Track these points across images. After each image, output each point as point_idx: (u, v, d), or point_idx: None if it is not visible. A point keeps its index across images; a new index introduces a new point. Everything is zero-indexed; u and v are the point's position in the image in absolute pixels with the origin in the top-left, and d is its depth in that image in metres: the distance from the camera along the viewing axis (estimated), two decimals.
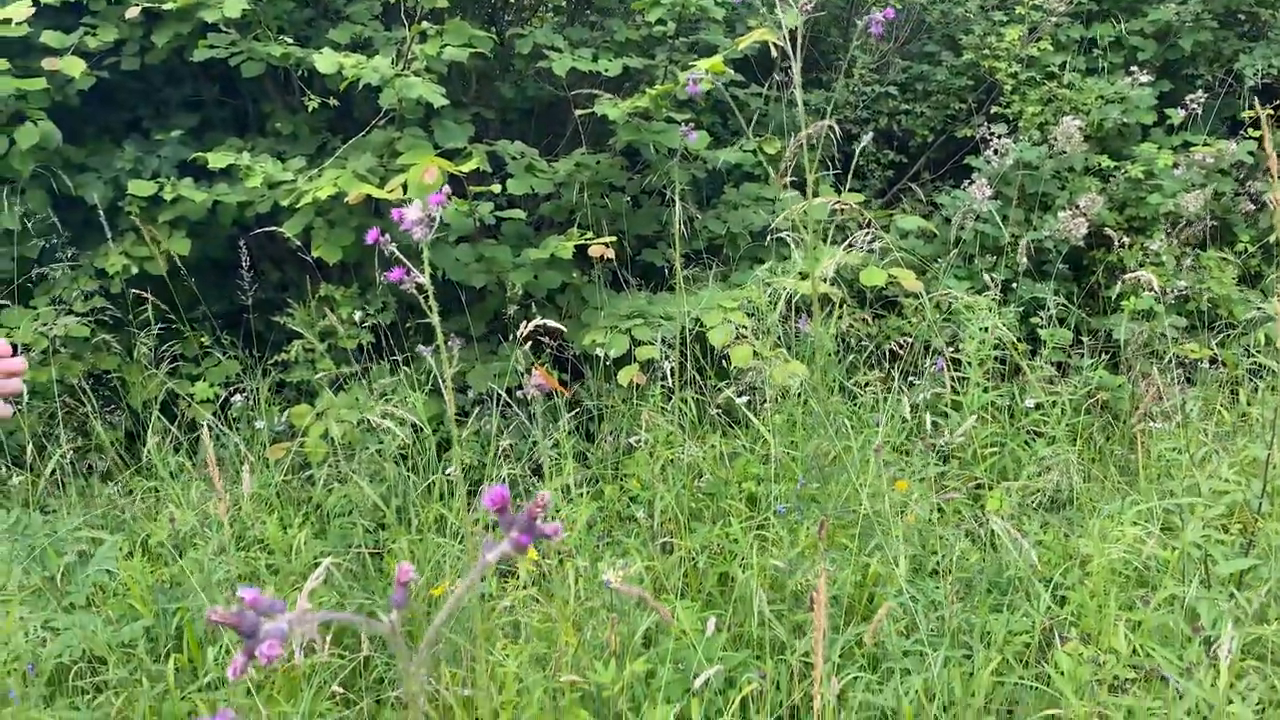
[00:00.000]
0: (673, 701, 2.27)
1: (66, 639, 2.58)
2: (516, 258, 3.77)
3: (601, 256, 3.48)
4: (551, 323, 2.37)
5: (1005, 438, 3.65)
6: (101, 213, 3.66)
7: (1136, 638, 2.19)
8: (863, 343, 3.67)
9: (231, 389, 4.04)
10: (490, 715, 2.00)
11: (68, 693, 2.51)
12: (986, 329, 3.60)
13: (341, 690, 2.31)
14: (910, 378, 3.20)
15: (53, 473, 3.33)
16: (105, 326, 3.94)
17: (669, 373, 3.06)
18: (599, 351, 3.58)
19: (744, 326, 3.60)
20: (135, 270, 3.92)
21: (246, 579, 2.86)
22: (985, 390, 3.62)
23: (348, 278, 3.96)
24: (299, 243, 3.74)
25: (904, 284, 3.82)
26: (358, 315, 3.70)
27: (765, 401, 3.08)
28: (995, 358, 3.68)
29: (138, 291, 3.87)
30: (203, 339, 4.09)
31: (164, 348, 4.08)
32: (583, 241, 3.64)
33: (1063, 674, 2.21)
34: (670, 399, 3.20)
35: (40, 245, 3.95)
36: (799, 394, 2.83)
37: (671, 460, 2.98)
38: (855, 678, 2.09)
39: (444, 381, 1.72)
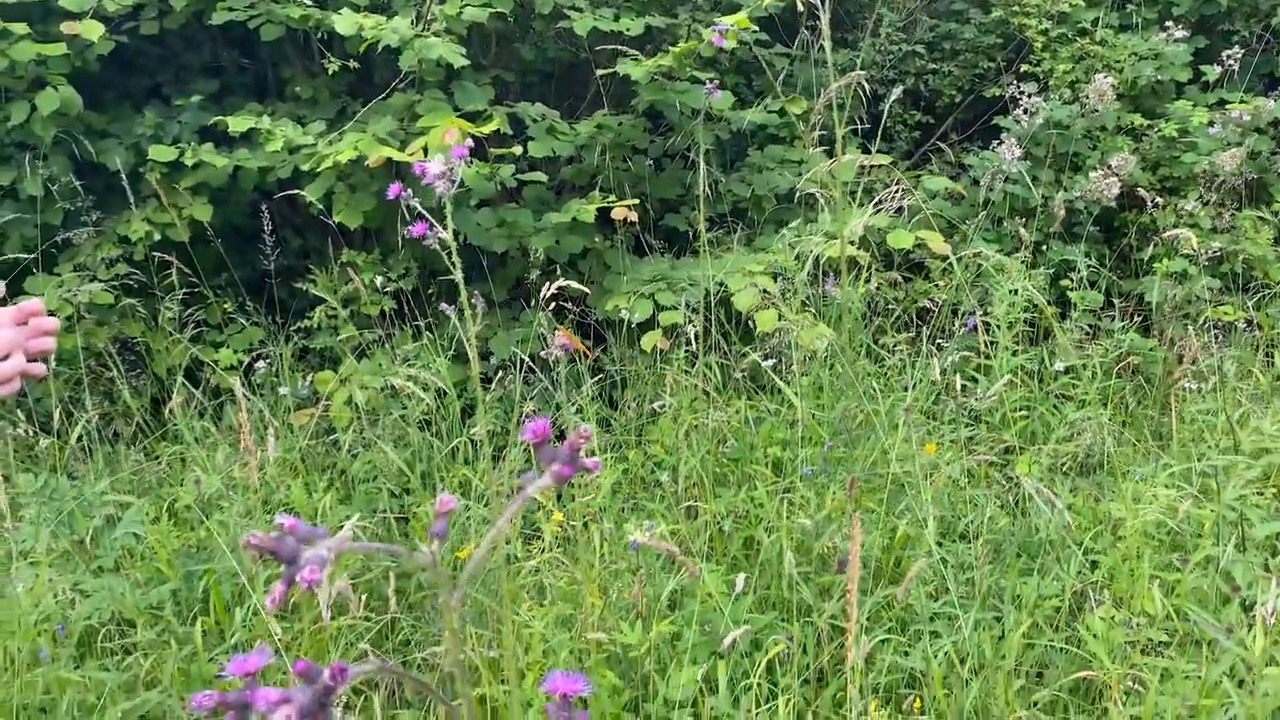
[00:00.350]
0: (699, 663, 2.26)
1: (95, 601, 2.59)
2: (538, 222, 3.74)
3: (624, 219, 3.44)
4: (574, 284, 2.34)
5: (1035, 402, 3.60)
6: (124, 179, 3.65)
7: (1171, 601, 2.16)
8: (890, 306, 3.62)
9: (255, 355, 4.05)
10: (516, 676, 2.00)
11: (97, 654, 2.52)
12: (1016, 291, 3.54)
13: (369, 649, 2.31)
14: (938, 341, 3.15)
15: (79, 438, 3.35)
16: (129, 293, 3.94)
17: (693, 338, 3.03)
18: (622, 316, 3.54)
19: (769, 290, 3.56)
20: (158, 236, 3.92)
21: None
22: (1014, 354, 3.57)
23: (369, 243, 3.94)
24: (320, 208, 3.72)
25: (932, 246, 3.76)
26: (379, 280, 3.68)
27: (791, 365, 3.04)
28: (1025, 321, 3.62)
29: (162, 256, 3.86)
30: (225, 305, 4.09)
31: (187, 314, 4.08)
32: (604, 205, 3.60)
33: (1095, 636, 2.18)
34: (694, 364, 3.17)
35: (64, 212, 3.95)
36: (826, 357, 2.80)
37: (695, 426, 2.96)
38: (883, 640, 2.07)
39: (468, 340, 1.70)
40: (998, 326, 3.53)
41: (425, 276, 4.35)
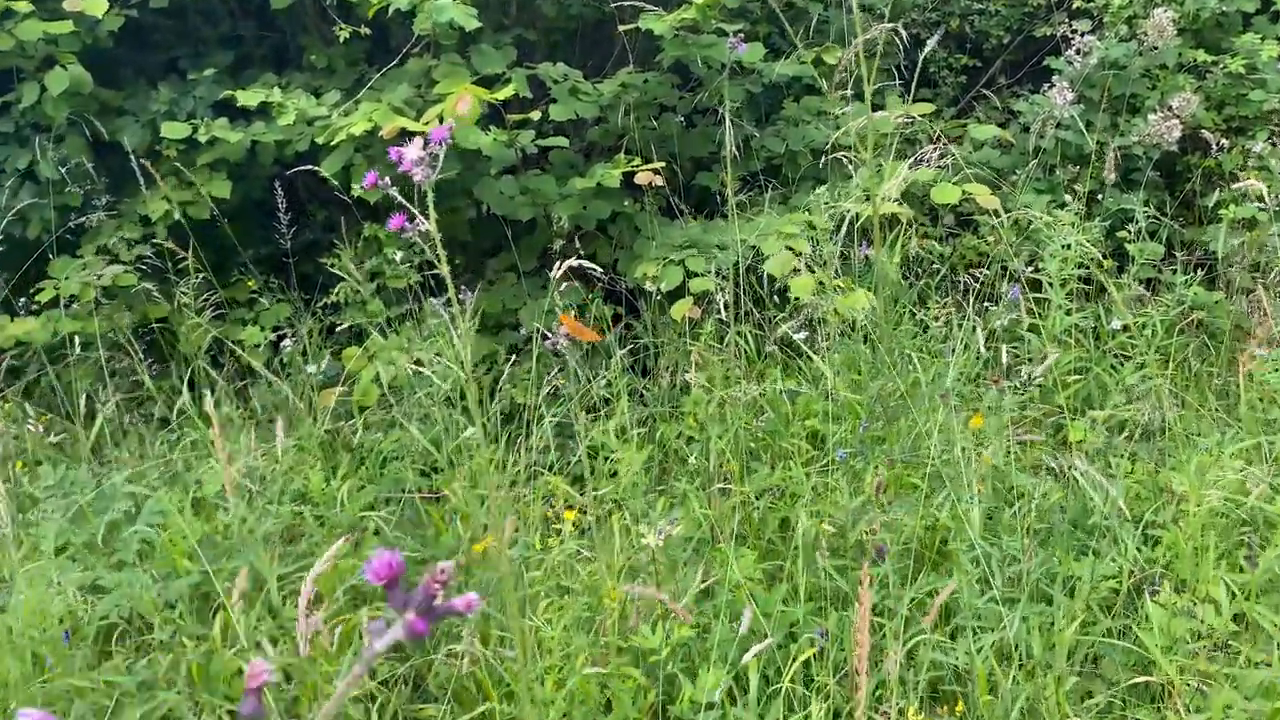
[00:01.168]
0: (728, 661, 2.14)
1: (113, 599, 2.54)
2: (562, 188, 3.59)
3: (650, 184, 3.28)
4: (586, 264, 2.20)
5: (1089, 363, 3.40)
6: (133, 158, 3.56)
7: (1239, 588, 1.99)
8: (934, 266, 3.42)
9: (280, 334, 3.97)
10: (526, 688, 1.89)
11: (117, 653, 2.47)
12: (1069, 246, 3.33)
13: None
14: (986, 303, 2.97)
15: (102, 427, 3.30)
16: (152, 275, 3.88)
17: (723, 306, 2.87)
18: (651, 285, 3.40)
19: (805, 254, 3.39)
20: (178, 215, 3.84)
21: (292, 533, 2.80)
22: (1068, 313, 3.37)
23: (379, 214, 3.81)
24: (336, 183, 3.61)
25: (979, 200, 3.55)
26: (399, 255, 3.57)
27: (828, 335, 2.88)
28: (1079, 277, 3.41)
29: (188, 232, 3.78)
30: (250, 284, 4.01)
31: (212, 295, 4.02)
32: (630, 168, 3.44)
33: (1153, 630, 2.02)
34: (725, 336, 3.02)
35: (81, 194, 3.88)
36: (863, 329, 2.63)
37: (726, 400, 2.82)
38: (924, 639, 1.93)
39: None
40: (1050, 284, 3.33)
41: (452, 248, 4.24)
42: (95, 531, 2.67)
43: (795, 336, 2.58)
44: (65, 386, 3.55)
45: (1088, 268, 3.60)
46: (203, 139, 3.51)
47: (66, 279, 3.70)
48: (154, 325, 3.81)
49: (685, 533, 2.67)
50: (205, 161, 3.76)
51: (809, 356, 2.63)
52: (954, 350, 2.50)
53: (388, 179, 1.54)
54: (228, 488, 2.11)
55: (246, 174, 3.92)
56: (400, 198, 1.55)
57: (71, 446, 3.33)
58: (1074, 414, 3.29)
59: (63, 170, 3.67)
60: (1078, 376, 3.28)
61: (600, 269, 4.08)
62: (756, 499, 2.66)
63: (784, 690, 1.88)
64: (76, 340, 3.59)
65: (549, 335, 1.81)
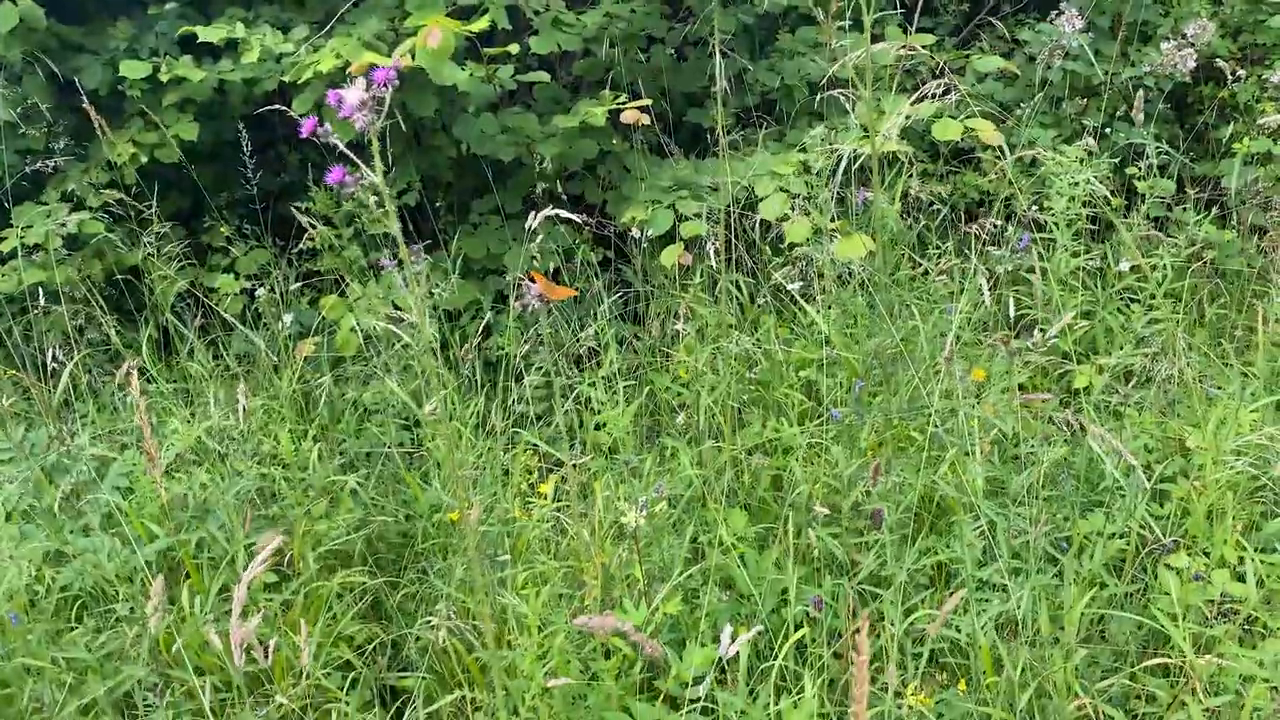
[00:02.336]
0: (717, 632, 2.04)
1: (76, 567, 2.44)
2: (546, 126, 3.42)
3: (637, 122, 3.11)
4: (563, 212, 2.05)
5: (1096, 305, 3.27)
6: (85, 101, 3.36)
7: (1259, 555, 1.88)
8: (934, 206, 3.27)
9: (254, 283, 3.83)
10: (507, 668, 1.79)
11: (86, 626, 2.37)
12: (1076, 183, 3.18)
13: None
14: (989, 246, 2.82)
15: (68, 384, 3.17)
16: (121, 222, 3.71)
17: (713, 254, 2.72)
18: (639, 230, 3.25)
19: (801, 196, 3.23)
20: (145, 159, 3.66)
21: (264, 496, 2.68)
22: (1074, 255, 3.22)
23: (365, 156, 3.63)
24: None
25: (982, 136, 3.38)
26: (373, 200, 3.39)
27: (823, 280, 2.74)
28: (1086, 215, 3.26)
29: (156, 177, 3.61)
30: (223, 229, 3.85)
31: (185, 242, 3.86)
32: (616, 106, 3.26)
33: (1167, 595, 1.91)
34: (716, 284, 2.88)
35: (43, 136, 3.70)
36: (860, 276, 2.49)
37: (719, 350, 2.68)
38: (926, 611, 1.82)
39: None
40: (1055, 224, 3.18)
41: (431, 189, 4.07)
42: (55, 495, 2.55)
43: (790, 286, 2.43)
44: (28, 340, 3.41)
45: (1095, 206, 3.45)
46: (165, 78, 3.33)
47: (29, 227, 3.53)
48: (123, 276, 3.65)
49: (674, 491, 2.56)
50: (171, 102, 3.58)
51: (803, 308, 2.49)
52: (955, 299, 2.36)
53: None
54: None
55: (216, 115, 3.74)
56: (346, 146, 1.40)
57: (40, 405, 3.20)
58: (1079, 360, 3.16)
59: (17, 112, 3.48)
60: (1084, 322, 3.14)
61: (587, 212, 3.93)
62: (748, 454, 2.55)
63: (776, 668, 1.78)
64: (41, 292, 3.44)
65: (525, 285, 1.67)
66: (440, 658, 2.26)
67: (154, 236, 3.70)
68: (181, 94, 3.55)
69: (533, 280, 1.68)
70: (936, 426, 1.87)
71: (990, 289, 2.80)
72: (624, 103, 3.27)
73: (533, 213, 2.11)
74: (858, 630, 0.88)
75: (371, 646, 2.41)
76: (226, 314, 3.45)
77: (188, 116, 3.61)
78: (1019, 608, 1.67)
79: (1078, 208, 3.16)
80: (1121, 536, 2.10)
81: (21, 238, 3.50)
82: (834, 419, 2.16)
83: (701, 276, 2.88)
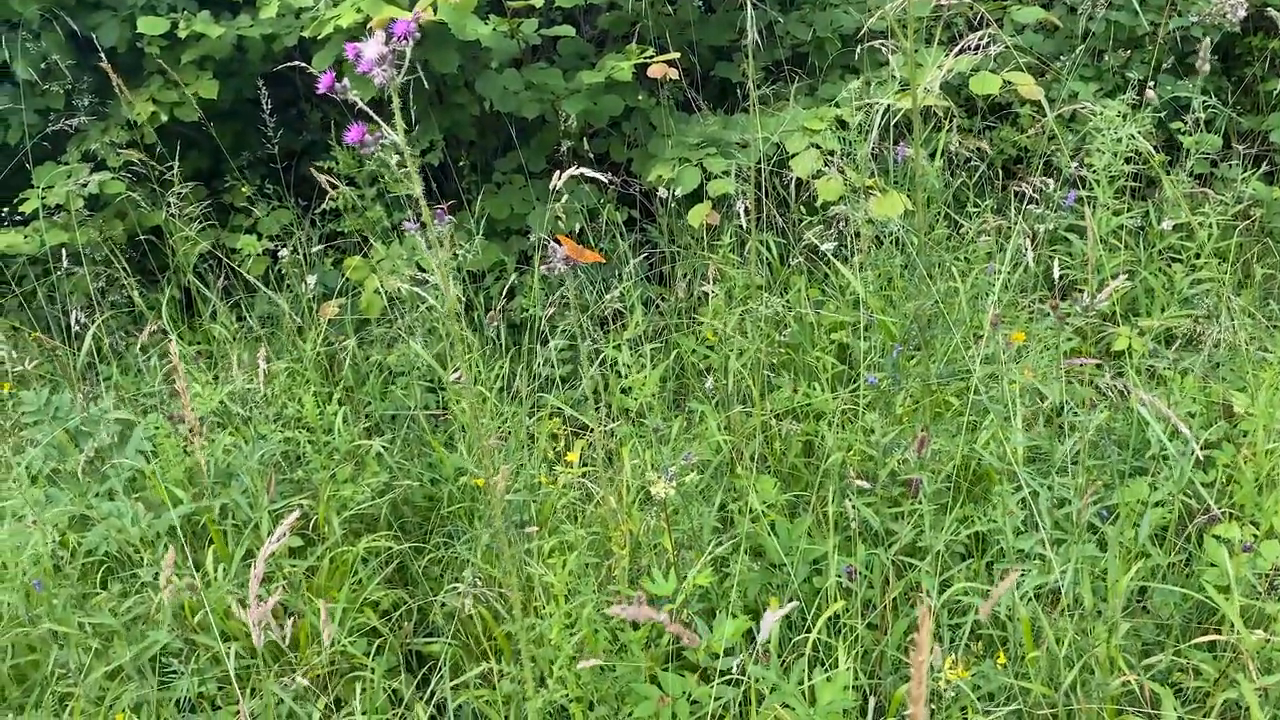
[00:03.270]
0: (748, 602, 1.99)
1: (100, 532, 2.42)
2: (570, 82, 3.33)
3: (664, 77, 3.02)
4: (587, 171, 1.98)
5: (1138, 265, 3.17)
6: (104, 58, 3.31)
7: None
8: (971, 162, 3.17)
9: (277, 244, 3.79)
10: (534, 638, 1.75)
11: (111, 591, 2.36)
12: (1119, 139, 3.07)
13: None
14: (1029, 204, 2.72)
15: (91, 347, 3.14)
16: (143, 181, 3.67)
17: (743, 211, 2.65)
18: (665, 190, 3.17)
19: (834, 152, 3.14)
20: (165, 118, 3.61)
21: (289, 459, 2.66)
22: (1116, 213, 3.12)
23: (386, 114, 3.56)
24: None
25: (1021, 90, 3.26)
26: (394, 159, 3.33)
27: (859, 240, 2.66)
28: (1128, 173, 3.15)
29: (178, 135, 3.56)
30: (244, 189, 3.80)
31: (207, 202, 3.82)
32: (642, 60, 3.17)
33: (1214, 567, 1.85)
34: (745, 244, 2.80)
35: (63, 94, 3.65)
36: (894, 236, 2.40)
37: (748, 312, 2.62)
38: (963, 585, 1.76)
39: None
40: (1096, 181, 3.08)
41: (455, 147, 4.00)
42: (79, 459, 2.53)
43: (823, 246, 2.36)
44: (51, 302, 3.39)
45: (1138, 162, 3.34)
46: (183, 34, 3.26)
47: (49, 187, 3.50)
48: (145, 237, 3.61)
49: (702, 457, 2.51)
50: (190, 59, 3.52)
51: (836, 269, 2.41)
52: (995, 260, 2.27)
53: (345, 81, 1.32)
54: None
55: (236, 72, 3.68)
56: (363, 104, 1.34)
57: (61, 367, 3.19)
58: (1119, 321, 3.07)
59: (36, 70, 3.43)
60: (1126, 282, 3.05)
61: (612, 171, 3.85)
62: (778, 420, 2.49)
63: (810, 638, 1.73)
64: (64, 254, 3.41)
65: (551, 248, 1.61)
66: (466, 625, 2.23)
67: (175, 197, 3.67)
68: (200, 51, 3.49)
69: (559, 243, 1.62)
70: (979, 394, 1.80)
71: (1031, 249, 2.72)
72: (650, 57, 3.18)
73: (557, 172, 2.04)
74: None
75: (398, 613, 2.39)
76: (250, 275, 3.41)
77: (207, 74, 3.55)
78: (1060, 580, 1.61)
79: (1119, 164, 3.05)
80: (1161, 505, 2.04)
81: (42, 198, 3.47)
82: (870, 384, 2.09)
83: (730, 237, 2.80)
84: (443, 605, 2.35)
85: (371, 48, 1.23)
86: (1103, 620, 1.70)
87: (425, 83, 3.39)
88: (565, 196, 3.69)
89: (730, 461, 2.50)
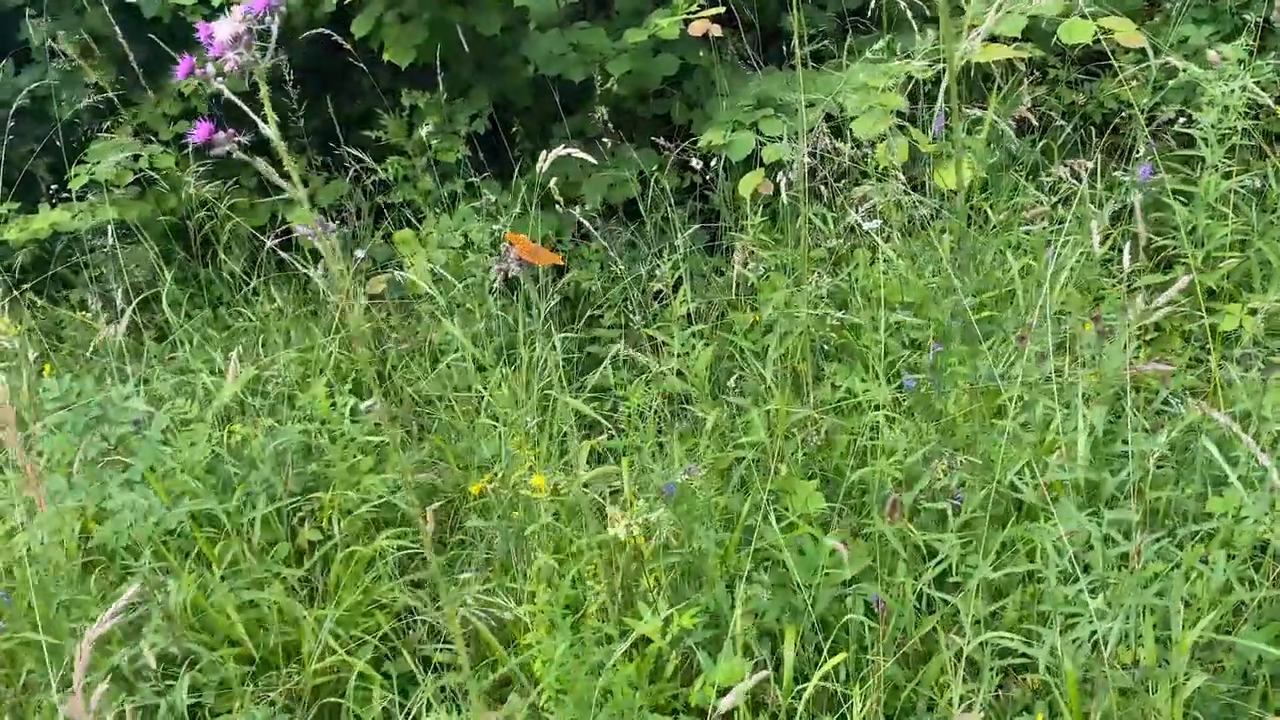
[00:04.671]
0: (764, 631, 1.79)
1: (114, 524, 2.36)
2: (617, 42, 3.11)
3: (707, 34, 2.77)
4: (575, 152, 1.77)
5: (1252, 235, 2.80)
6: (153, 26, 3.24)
7: None
8: (1058, 124, 2.83)
9: (331, 216, 3.69)
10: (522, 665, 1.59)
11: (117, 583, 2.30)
12: (1234, 90, 2.69)
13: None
14: (1123, 168, 2.39)
15: (146, 322, 3.10)
16: (197, 153, 3.62)
17: (784, 184, 2.40)
18: (720, 153, 2.93)
19: (901, 111, 2.85)
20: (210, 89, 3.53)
21: (303, 451, 2.55)
22: (1227, 175, 2.75)
23: (430, 80, 3.41)
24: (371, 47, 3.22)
25: (1119, 37, 2.90)
26: (425, 131, 3.18)
27: (900, 215, 2.38)
28: (1242, 130, 2.77)
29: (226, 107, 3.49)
30: (291, 160, 3.70)
31: (255, 176, 3.75)
32: (689, 16, 2.92)
33: None
34: (784, 217, 2.56)
35: (114, 69, 3.61)
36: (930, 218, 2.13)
37: (787, 299, 2.38)
38: (992, 635, 1.53)
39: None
40: (1204, 140, 2.72)
41: (506, 114, 3.82)
42: (98, 448, 2.47)
43: (866, 225, 2.10)
44: (99, 280, 3.37)
45: (1257, 116, 2.94)
46: (217, 1, 3.16)
47: (98, 163, 3.46)
48: (199, 212, 3.55)
49: (747, 452, 2.31)
50: None
51: (878, 249, 2.15)
52: (1056, 244, 1.97)
53: (209, 68, 1.15)
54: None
55: (280, 40, 3.56)
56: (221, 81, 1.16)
57: (102, 347, 3.16)
58: (1227, 297, 2.72)
59: (82, 44, 3.38)
60: (1235, 255, 2.69)
61: (673, 134, 3.61)
62: (821, 416, 2.26)
63: (820, 676, 1.53)
64: (111, 230, 3.38)
65: (504, 248, 1.41)
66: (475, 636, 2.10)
67: (230, 170, 3.60)
68: None
69: (511, 244, 1.43)
70: (1012, 417, 1.54)
71: (1121, 219, 2.40)
72: (696, 14, 2.93)
73: (544, 153, 1.83)
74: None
75: (415, 617, 2.27)
76: (286, 256, 3.32)
77: None
78: (1107, 630, 1.36)
79: (1233, 119, 2.68)
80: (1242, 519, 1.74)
81: (91, 174, 3.44)
82: (908, 387, 1.85)
83: (763, 214, 2.56)
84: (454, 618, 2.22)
85: (225, 27, 1.05)
86: (1166, 675, 1.45)
87: (466, 47, 3.21)
88: (612, 166, 3.48)
89: (770, 457, 2.28)
